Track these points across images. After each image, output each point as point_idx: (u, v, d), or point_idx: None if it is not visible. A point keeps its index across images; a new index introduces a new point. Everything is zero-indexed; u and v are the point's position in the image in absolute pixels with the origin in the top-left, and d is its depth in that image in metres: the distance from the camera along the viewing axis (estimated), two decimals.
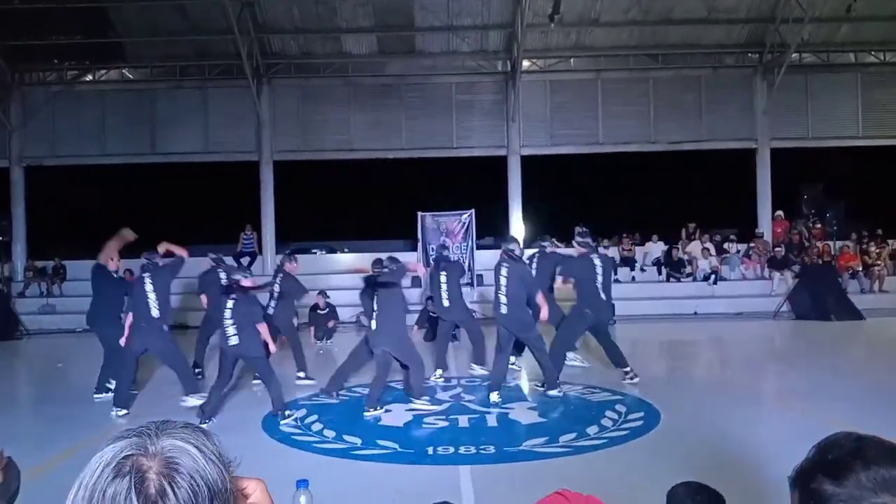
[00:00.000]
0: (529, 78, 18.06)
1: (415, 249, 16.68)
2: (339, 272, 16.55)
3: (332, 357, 11.21)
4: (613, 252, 17.71)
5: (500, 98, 18.32)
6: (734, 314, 15.76)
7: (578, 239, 8.68)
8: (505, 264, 7.79)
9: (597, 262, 8.26)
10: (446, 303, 9.33)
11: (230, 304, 6.89)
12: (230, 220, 18.44)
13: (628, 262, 17.54)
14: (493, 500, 4.60)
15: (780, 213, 18.24)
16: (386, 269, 7.39)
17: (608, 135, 18.32)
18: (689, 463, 4.79)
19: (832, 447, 1.07)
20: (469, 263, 16.36)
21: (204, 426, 1.08)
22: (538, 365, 7.89)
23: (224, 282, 9.14)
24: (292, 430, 6.57)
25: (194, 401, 7.22)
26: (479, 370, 9.13)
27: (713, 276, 16.80)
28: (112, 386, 7.58)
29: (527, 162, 18.37)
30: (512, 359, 9.24)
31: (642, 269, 17.54)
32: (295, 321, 9.36)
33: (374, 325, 7.27)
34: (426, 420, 6.82)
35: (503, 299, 7.68)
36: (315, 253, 20.00)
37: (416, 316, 12.89)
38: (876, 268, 16.90)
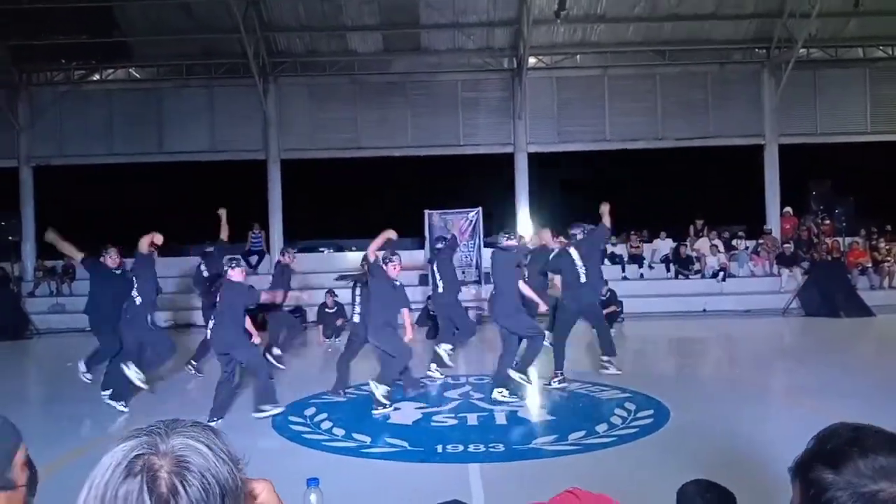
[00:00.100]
0: (536, 75, 18.03)
1: (422, 247, 16.68)
2: (347, 271, 16.55)
3: None
4: (622, 249, 17.71)
5: (507, 95, 18.30)
6: (743, 311, 15.70)
7: (571, 231, 8.63)
8: (492, 256, 7.98)
9: (574, 254, 8.31)
10: (440, 289, 9.50)
11: (217, 297, 6.97)
12: (238, 219, 18.29)
13: (636, 259, 17.50)
14: (502, 499, 4.59)
15: (788, 209, 18.16)
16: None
17: (615, 131, 18.27)
18: (698, 461, 4.77)
19: (831, 437, 1.09)
20: (476, 261, 16.35)
21: (212, 424, 1.07)
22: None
23: (205, 275, 9.30)
24: (302, 428, 6.58)
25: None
26: (434, 370, 8.90)
27: (722, 273, 16.75)
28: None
29: (534, 159, 18.34)
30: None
31: (650, 267, 17.49)
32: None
33: (356, 318, 7.74)
34: (435, 418, 6.81)
35: (493, 291, 7.82)
36: (323, 251, 20.02)
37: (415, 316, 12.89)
38: (886, 264, 16.82)
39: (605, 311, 13.42)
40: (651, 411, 6.72)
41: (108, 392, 7.51)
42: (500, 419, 6.76)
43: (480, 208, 16.68)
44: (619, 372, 8.35)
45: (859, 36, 17.96)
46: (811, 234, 17.41)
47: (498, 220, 18.72)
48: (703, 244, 17.52)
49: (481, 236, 16.65)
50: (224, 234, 9.18)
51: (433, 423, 6.66)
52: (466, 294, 10.12)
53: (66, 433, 6.62)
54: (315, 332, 13.87)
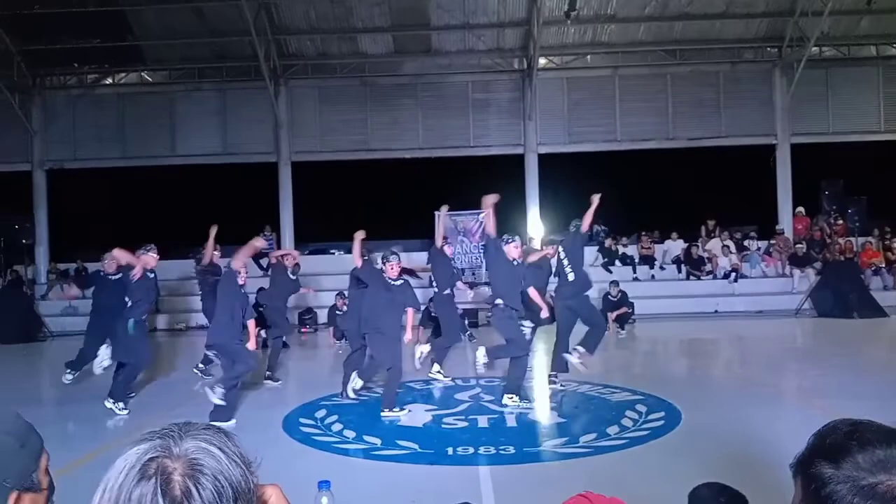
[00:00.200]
0: (546, 75, 18.02)
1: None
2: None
3: None
4: (633, 250, 17.65)
5: (517, 96, 18.29)
6: (755, 312, 15.63)
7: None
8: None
9: (561, 254, 8.52)
10: (435, 287, 9.59)
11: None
12: (249, 222, 18.51)
13: (648, 260, 17.45)
14: (513, 501, 4.59)
15: (800, 209, 18.07)
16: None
17: (626, 132, 18.23)
18: (710, 463, 4.75)
19: (830, 432, 1.11)
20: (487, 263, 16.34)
21: (223, 426, 1.08)
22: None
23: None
24: (312, 430, 6.60)
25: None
26: (435, 371, 8.91)
27: (734, 274, 16.67)
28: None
29: (544, 160, 18.32)
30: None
31: (662, 268, 17.43)
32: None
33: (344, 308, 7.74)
34: (445, 420, 6.82)
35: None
36: (333, 253, 20.04)
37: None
38: None
39: (616, 312, 13.48)
40: (662, 413, 6.69)
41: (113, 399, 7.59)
42: (511, 421, 6.75)
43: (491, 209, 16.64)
44: (584, 369, 8.24)
45: (872, 34, 17.86)
46: (824, 234, 17.31)
47: (508, 221, 18.72)
48: (714, 245, 17.45)
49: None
50: (207, 258, 8.89)
51: (443, 426, 6.66)
52: (463, 295, 9.95)
53: (80, 436, 6.67)
54: (325, 334, 13.91)
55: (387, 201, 21.23)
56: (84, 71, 18.72)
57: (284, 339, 10.78)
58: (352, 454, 5.82)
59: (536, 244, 9.71)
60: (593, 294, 15.31)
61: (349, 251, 19.71)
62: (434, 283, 9.76)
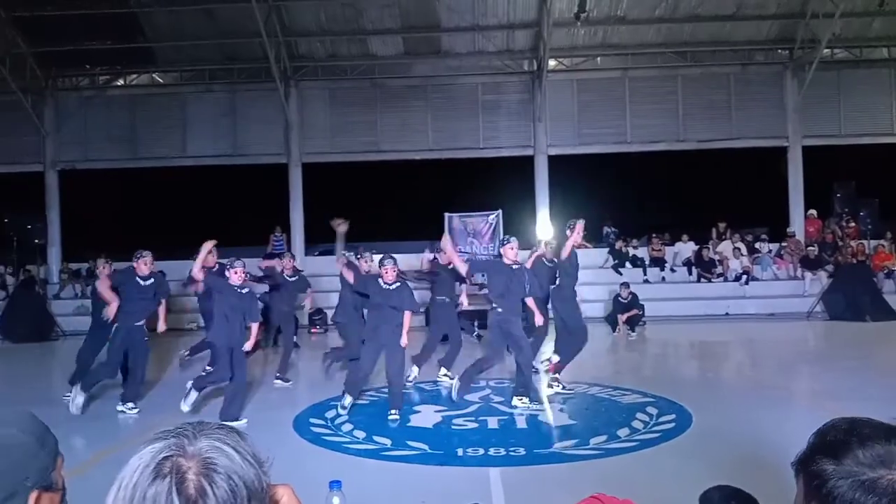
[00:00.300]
0: (556, 77, 17.99)
1: (441, 251, 16.66)
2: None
3: None
4: (643, 252, 17.59)
5: (527, 98, 18.27)
6: (766, 315, 15.56)
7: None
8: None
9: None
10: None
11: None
12: (260, 222, 18.61)
13: (658, 262, 17.38)
14: (523, 503, 4.58)
15: (812, 211, 17.97)
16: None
17: (636, 134, 18.17)
18: (722, 466, 4.73)
19: (829, 430, 1.14)
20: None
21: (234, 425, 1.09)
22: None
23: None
24: (322, 430, 6.61)
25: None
26: (442, 376, 8.89)
27: (745, 277, 16.59)
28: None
29: (554, 162, 18.29)
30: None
31: (672, 270, 17.36)
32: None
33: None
34: (455, 421, 6.81)
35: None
36: (343, 254, 20.08)
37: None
38: None
39: (626, 314, 13.46)
40: (673, 416, 6.67)
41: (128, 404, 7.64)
42: (521, 423, 6.75)
43: (500, 211, 16.65)
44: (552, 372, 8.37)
45: (884, 35, 17.72)
46: (835, 236, 17.20)
47: (518, 223, 18.70)
48: (725, 247, 17.37)
49: (501, 239, 16.62)
50: (197, 268, 8.17)
51: (453, 427, 6.65)
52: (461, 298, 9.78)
53: (91, 436, 6.69)
54: (335, 335, 13.91)
55: (396, 202, 21.28)
56: (96, 72, 18.82)
57: (295, 339, 10.90)
58: (362, 454, 5.82)
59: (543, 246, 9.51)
60: (603, 296, 15.36)
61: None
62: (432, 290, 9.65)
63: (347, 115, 18.41)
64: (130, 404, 7.55)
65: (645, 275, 17.01)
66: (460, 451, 5.77)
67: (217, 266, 8.75)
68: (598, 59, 18.37)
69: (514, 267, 7.42)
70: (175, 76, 18.96)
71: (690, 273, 17.18)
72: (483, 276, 7.50)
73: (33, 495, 1.16)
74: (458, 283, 9.57)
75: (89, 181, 19.12)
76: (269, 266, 10.16)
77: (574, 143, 18.28)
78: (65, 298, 17.37)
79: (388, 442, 6.12)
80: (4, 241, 17.10)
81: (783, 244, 17.57)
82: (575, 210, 19.54)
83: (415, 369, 8.85)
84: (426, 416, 7.05)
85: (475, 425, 6.65)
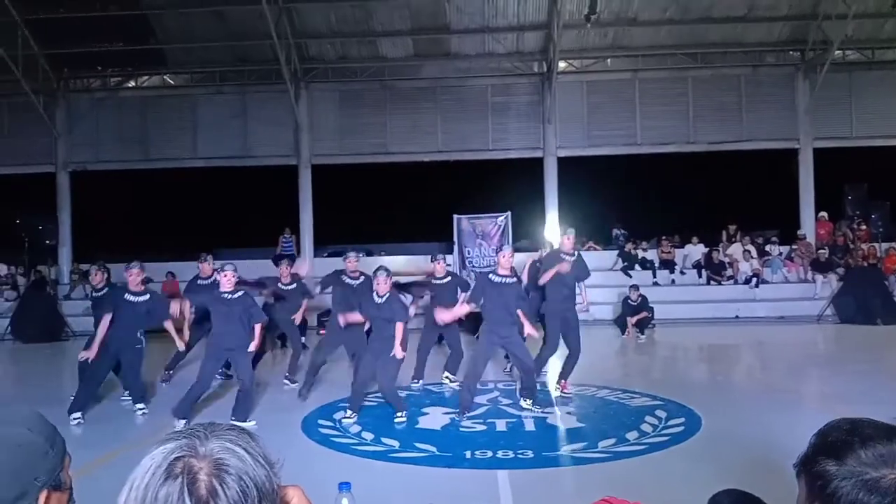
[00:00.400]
0: (566, 79, 17.96)
1: (451, 252, 16.68)
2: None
3: None
4: (653, 254, 17.54)
5: (536, 99, 18.24)
6: (776, 318, 15.48)
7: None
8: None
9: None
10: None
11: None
12: (269, 224, 18.67)
13: (668, 264, 17.32)
14: None
15: (823, 214, 17.87)
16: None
17: (646, 135, 18.12)
18: (731, 470, 4.71)
19: (831, 431, 1.15)
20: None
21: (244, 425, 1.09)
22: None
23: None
24: (331, 431, 6.62)
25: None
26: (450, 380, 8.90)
27: (755, 279, 16.51)
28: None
29: (563, 163, 18.25)
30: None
31: (682, 272, 17.29)
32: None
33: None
34: (464, 423, 6.81)
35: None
36: None
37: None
38: None
39: (636, 317, 13.43)
40: (682, 419, 6.65)
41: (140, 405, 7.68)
42: (530, 426, 6.74)
43: (510, 213, 16.65)
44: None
45: None
46: (847, 239, 17.10)
47: (527, 225, 18.70)
48: (735, 249, 17.29)
49: (510, 241, 16.60)
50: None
51: (462, 429, 6.65)
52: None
53: (100, 436, 6.72)
54: None
55: (406, 204, 21.32)
56: (107, 74, 18.93)
57: (304, 340, 10.93)
58: (370, 456, 5.83)
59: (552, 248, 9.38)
60: (612, 298, 15.34)
61: (369, 253, 19.92)
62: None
63: (357, 116, 18.44)
64: (140, 405, 7.60)
65: (654, 277, 16.96)
66: (468, 454, 5.76)
67: (213, 274, 8.76)
68: (609, 60, 18.33)
69: (506, 282, 7.22)
70: (186, 78, 19.05)
71: (700, 276, 17.12)
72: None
73: (43, 495, 1.18)
74: (459, 291, 9.34)
75: (100, 182, 19.24)
76: (262, 279, 9.97)
77: (584, 145, 18.25)
78: (75, 299, 17.43)
79: (396, 444, 6.12)
80: (16, 241, 17.22)
81: (794, 247, 17.48)
82: (584, 212, 19.61)
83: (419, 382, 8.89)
84: (434, 419, 7.05)
85: (483, 428, 6.65)
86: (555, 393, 8.04)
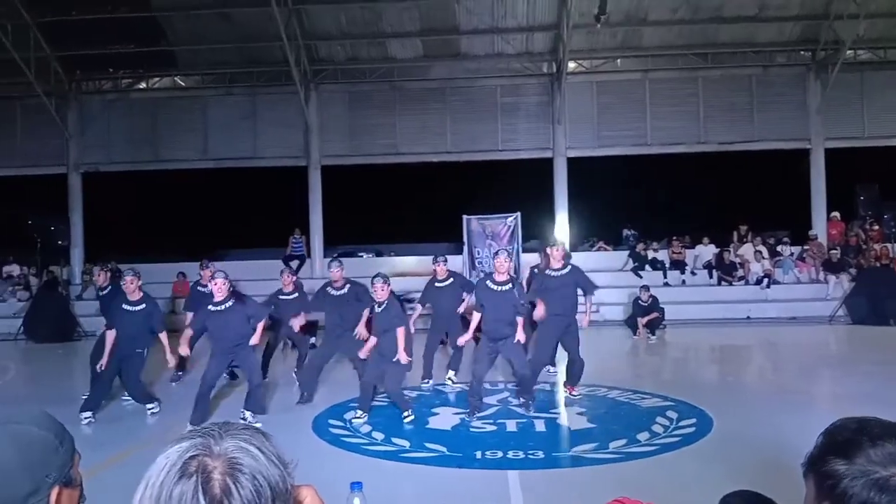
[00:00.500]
0: (575, 79, 17.94)
1: (460, 252, 16.68)
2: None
3: None
4: (663, 255, 17.48)
5: (546, 100, 18.23)
6: (788, 319, 15.39)
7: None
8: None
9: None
10: None
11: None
12: (279, 225, 18.72)
13: (679, 265, 17.26)
14: None
15: (836, 214, 17.76)
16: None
17: (656, 136, 18.07)
18: (743, 471, 4.69)
19: (839, 430, 1.16)
20: (515, 266, 16.29)
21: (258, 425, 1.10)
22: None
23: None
24: (341, 431, 6.64)
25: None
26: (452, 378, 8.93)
27: (766, 280, 16.42)
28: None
29: (573, 164, 18.23)
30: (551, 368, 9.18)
31: (693, 273, 17.22)
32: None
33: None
34: (474, 424, 6.81)
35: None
36: (362, 256, 20.17)
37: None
38: None
39: (646, 318, 13.39)
40: (694, 420, 6.63)
41: (152, 405, 7.73)
42: (540, 426, 6.73)
43: (519, 213, 16.63)
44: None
45: None
46: (859, 239, 16.99)
47: (536, 225, 18.67)
48: (746, 250, 17.21)
49: (520, 241, 16.60)
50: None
51: (472, 429, 6.65)
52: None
53: (111, 435, 6.76)
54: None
55: (415, 205, 21.31)
56: (118, 76, 19.05)
57: (313, 340, 10.93)
58: (380, 456, 5.84)
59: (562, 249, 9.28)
60: (623, 299, 15.31)
61: (378, 254, 19.87)
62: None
63: (366, 117, 18.48)
64: (151, 405, 7.64)
65: (665, 278, 16.90)
66: (479, 454, 5.77)
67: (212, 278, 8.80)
68: (618, 60, 18.29)
69: (501, 289, 7.18)
70: (196, 79, 19.13)
71: (711, 276, 17.05)
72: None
73: (54, 491, 1.19)
74: (463, 293, 9.34)
75: (112, 183, 19.35)
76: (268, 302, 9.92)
77: (593, 146, 18.22)
78: (87, 299, 17.52)
79: (406, 444, 6.13)
80: (28, 242, 17.35)
81: (805, 247, 17.39)
82: (594, 212, 19.57)
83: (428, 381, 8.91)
84: (444, 419, 7.05)
85: (494, 428, 6.64)
86: (562, 395, 8.03)
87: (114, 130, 18.90)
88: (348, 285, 8.14)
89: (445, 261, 9.46)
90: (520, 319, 7.20)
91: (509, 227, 16.67)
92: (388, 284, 7.22)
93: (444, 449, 5.95)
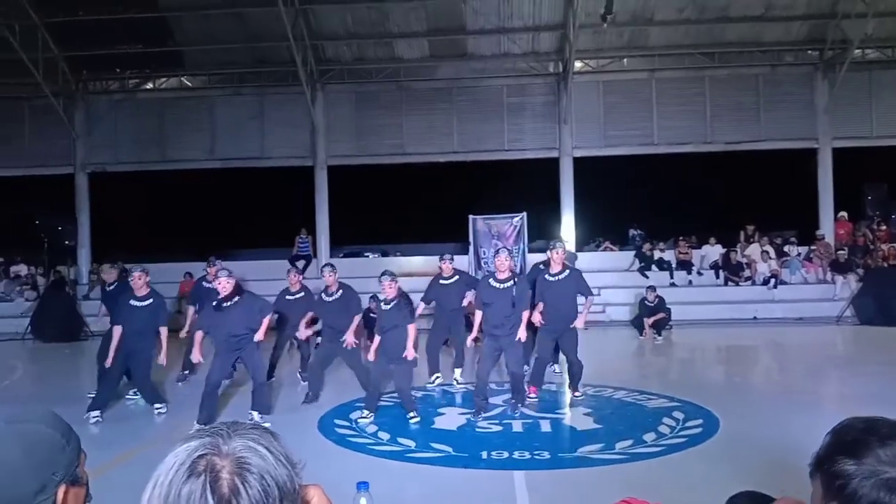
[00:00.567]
0: (582, 79, 17.92)
1: (466, 253, 16.68)
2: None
3: None
4: (670, 255, 17.44)
5: (552, 100, 18.22)
6: (795, 319, 15.33)
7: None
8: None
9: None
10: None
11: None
12: (286, 225, 18.76)
13: (685, 265, 17.21)
14: None
15: (843, 214, 17.69)
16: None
17: (663, 135, 18.04)
18: (750, 471, 4.68)
19: (846, 430, 1.15)
20: (521, 267, 16.28)
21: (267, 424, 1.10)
22: None
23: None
24: (347, 431, 6.64)
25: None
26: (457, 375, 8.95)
27: (773, 280, 16.37)
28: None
29: (579, 164, 18.21)
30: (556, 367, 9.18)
31: (699, 273, 17.18)
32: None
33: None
34: (479, 424, 6.81)
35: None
36: (368, 256, 20.19)
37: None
38: None
39: (653, 318, 13.36)
40: (700, 421, 6.61)
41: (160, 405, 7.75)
42: (545, 427, 6.72)
43: (525, 213, 16.63)
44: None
45: None
46: (867, 239, 16.93)
47: (543, 225, 18.65)
48: (753, 250, 17.16)
49: (526, 241, 16.59)
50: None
51: (478, 429, 6.65)
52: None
53: (117, 435, 6.78)
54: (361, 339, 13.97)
55: (421, 205, 21.32)
56: (126, 76, 19.12)
57: (319, 340, 10.88)
58: (386, 456, 5.84)
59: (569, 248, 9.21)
60: (629, 299, 15.28)
61: (384, 254, 19.90)
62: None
63: (373, 117, 18.50)
64: (159, 405, 7.67)
65: (671, 278, 16.87)
66: (484, 454, 5.76)
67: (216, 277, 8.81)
68: (625, 60, 18.26)
69: (504, 286, 7.20)
70: (203, 79, 19.19)
71: (718, 276, 17.01)
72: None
73: (61, 489, 1.20)
74: (467, 290, 9.33)
75: (119, 183, 19.41)
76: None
77: (600, 145, 18.20)
78: (94, 299, 17.49)
79: (412, 444, 6.13)
80: (35, 242, 17.40)
81: (812, 247, 17.32)
82: (600, 212, 19.54)
83: (436, 375, 8.90)
84: (450, 419, 7.05)
85: (499, 428, 6.64)
86: (568, 397, 8.01)
87: (121, 130, 18.97)
88: (340, 291, 8.09)
89: (452, 259, 9.48)
90: (525, 314, 7.20)
91: (515, 227, 16.67)
92: (396, 282, 7.23)
93: (449, 449, 5.95)
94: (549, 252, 7.94)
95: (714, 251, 17.49)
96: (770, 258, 16.82)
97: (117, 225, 20.34)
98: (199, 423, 6.58)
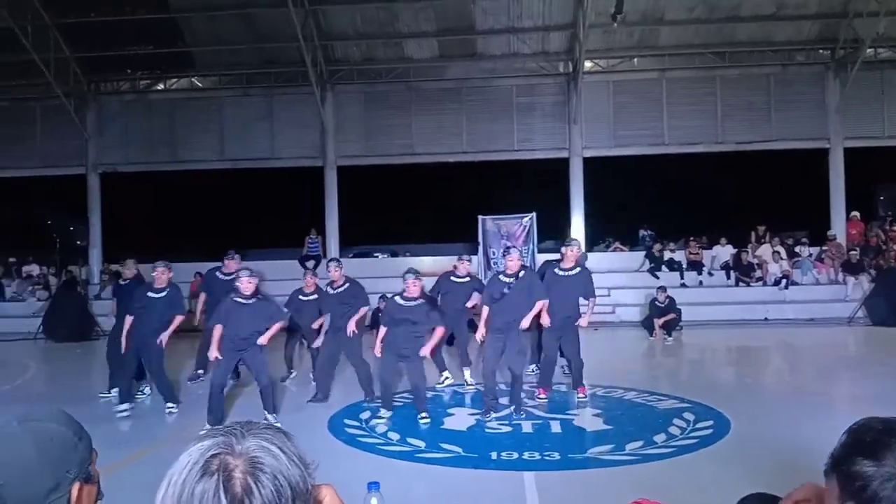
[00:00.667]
0: (592, 79, 17.89)
1: (475, 253, 16.67)
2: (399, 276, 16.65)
3: None
4: (680, 256, 17.38)
5: (562, 100, 18.19)
6: (806, 320, 15.24)
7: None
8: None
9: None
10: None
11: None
12: (295, 225, 18.80)
13: (696, 266, 17.15)
14: None
15: (855, 214, 17.58)
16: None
17: (673, 135, 17.98)
18: (761, 473, 4.66)
19: (864, 430, 1.13)
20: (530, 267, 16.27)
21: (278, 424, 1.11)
22: None
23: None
24: (357, 431, 6.65)
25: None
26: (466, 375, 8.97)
27: (784, 281, 16.29)
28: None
29: (589, 164, 18.17)
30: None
31: (710, 274, 17.12)
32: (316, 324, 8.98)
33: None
34: (489, 424, 6.80)
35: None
36: (377, 256, 20.21)
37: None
38: None
39: (663, 319, 13.31)
40: (711, 422, 6.58)
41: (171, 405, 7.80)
42: (555, 427, 6.71)
43: (535, 214, 16.60)
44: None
45: None
46: (879, 240, 16.81)
47: (553, 225, 18.62)
48: (764, 251, 17.08)
49: (535, 242, 16.58)
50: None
51: (487, 430, 6.64)
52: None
53: (129, 434, 6.82)
54: (369, 337, 13.97)
55: (431, 205, 21.32)
56: (137, 77, 19.24)
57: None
58: (396, 456, 5.84)
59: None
60: (640, 300, 15.24)
61: (394, 254, 19.92)
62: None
63: (382, 118, 18.53)
64: (171, 404, 7.68)
65: (682, 279, 16.80)
66: (494, 455, 5.75)
67: (237, 272, 8.82)
68: (635, 60, 18.23)
69: (511, 281, 7.21)
70: (214, 80, 19.27)
71: (729, 277, 16.94)
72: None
73: (75, 487, 1.22)
74: (474, 293, 9.30)
75: (130, 184, 19.51)
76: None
77: (610, 145, 18.16)
78: (105, 299, 17.61)
79: (422, 444, 6.13)
80: (47, 242, 17.52)
81: (824, 248, 17.22)
82: (611, 213, 19.48)
83: (445, 374, 8.91)
84: (460, 419, 7.05)
85: (509, 429, 6.63)
86: (576, 398, 7.99)
87: (132, 131, 19.08)
88: (347, 284, 8.12)
89: (470, 261, 9.55)
90: (539, 303, 7.20)
91: (525, 227, 16.66)
92: (421, 281, 7.29)
93: (459, 449, 5.94)
94: (563, 248, 7.93)
95: (725, 252, 17.42)
96: (781, 259, 16.74)
97: (128, 225, 20.44)
98: (211, 424, 6.61)
